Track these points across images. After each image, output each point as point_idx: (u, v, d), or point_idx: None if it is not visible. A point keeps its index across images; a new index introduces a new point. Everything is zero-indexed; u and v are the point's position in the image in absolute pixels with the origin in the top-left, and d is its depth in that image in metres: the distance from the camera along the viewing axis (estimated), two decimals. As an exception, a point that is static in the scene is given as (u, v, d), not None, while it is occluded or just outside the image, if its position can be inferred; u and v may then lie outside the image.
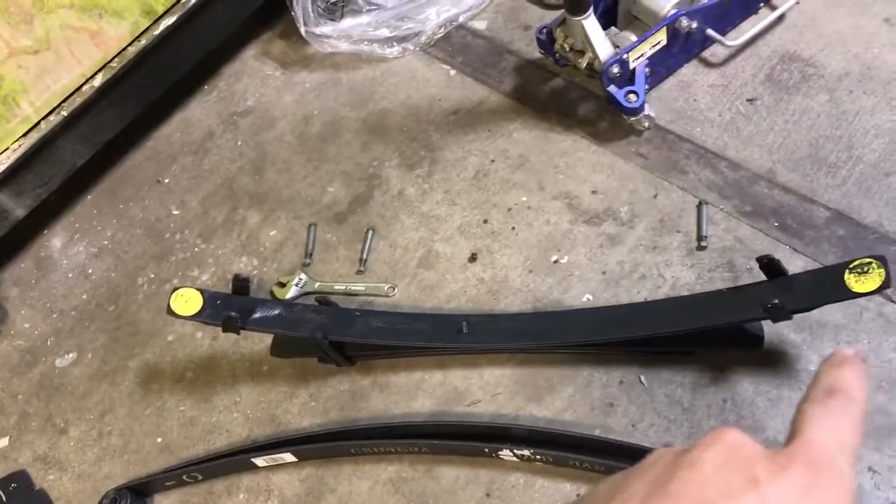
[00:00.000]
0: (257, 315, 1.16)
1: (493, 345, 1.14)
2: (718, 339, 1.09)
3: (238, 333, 1.16)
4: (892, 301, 1.08)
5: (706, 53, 1.41)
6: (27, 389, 1.39)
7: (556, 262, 1.25)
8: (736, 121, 1.32)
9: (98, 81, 1.44)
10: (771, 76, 1.35)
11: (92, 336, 1.42)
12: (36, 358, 1.43)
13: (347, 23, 1.60)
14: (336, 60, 1.66)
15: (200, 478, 1.20)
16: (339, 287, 1.32)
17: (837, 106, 1.29)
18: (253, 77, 1.72)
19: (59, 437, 1.32)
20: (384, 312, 1.22)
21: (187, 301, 1.15)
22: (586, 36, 1.27)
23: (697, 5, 1.32)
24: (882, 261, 0.89)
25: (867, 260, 0.90)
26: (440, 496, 1.09)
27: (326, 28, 1.59)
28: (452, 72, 1.57)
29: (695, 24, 1.30)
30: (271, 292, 1.35)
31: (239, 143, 1.61)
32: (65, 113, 1.41)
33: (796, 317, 0.98)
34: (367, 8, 1.59)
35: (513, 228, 1.31)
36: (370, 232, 1.37)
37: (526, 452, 1.05)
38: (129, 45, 1.47)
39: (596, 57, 1.28)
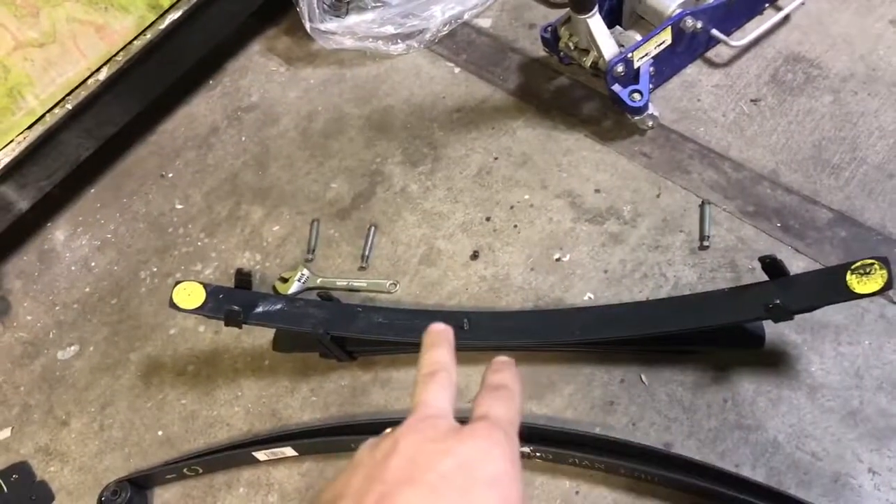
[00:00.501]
0: (259, 309, 1.16)
1: (495, 342, 1.14)
2: (720, 338, 1.09)
3: (240, 328, 1.16)
4: (894, 302, 1.08)
5: (711, 53, 1.41)
6: (29, 381, 1.39)
7: (558, 260, 1.26)
8: (740, 121, 1.32)
9: (103, 75, 1.44)
10: (775, 77, 1.35)
11: (94, 329, 1.42)
12: (38, 350, 1.43)
13: (352, 19, 1.60)
14: (340, 57, 1.67)
15: (201, 471, 1.20)
16: (341, 283, 1.33)
17: (842, 107, 1.29)
18: (257, 73, 1.73)
19: (60, 429, 1.32)
20: (386, 309, 1.23)
21: (190, 295, 1.15)
22: (591, 34, 1.27)
23: (702, 5, 1.32)
24: (884, 262, 0.89)
25: (869, 261, 0.90)
26: (440, 492, 1.09)
27: (331, 24, 1.59)
28: (457, 69, 1.57)
29: (700, 24, 1.30)
30: (273, 287, 1.35)
31: (243, 138, 1.62)
32: (69, 106, 1.42)
33: (798, 317, 0.98)
34: (373, 5, 1.60)
35: (515, 226, 1.31)
36: (372, 228, 1.37)
37: (526, 449, 1.05)
38: (135, 39, 1.47)
39: (600, 56, 1.28)
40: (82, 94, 1.43)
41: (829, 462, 0.99)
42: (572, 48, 1.34)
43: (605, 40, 1.27)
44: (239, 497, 1.17)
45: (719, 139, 1.31)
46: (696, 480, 0.96)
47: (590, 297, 1.20)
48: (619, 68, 1.27)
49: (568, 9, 1.28)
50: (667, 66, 1.36)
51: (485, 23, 1.62)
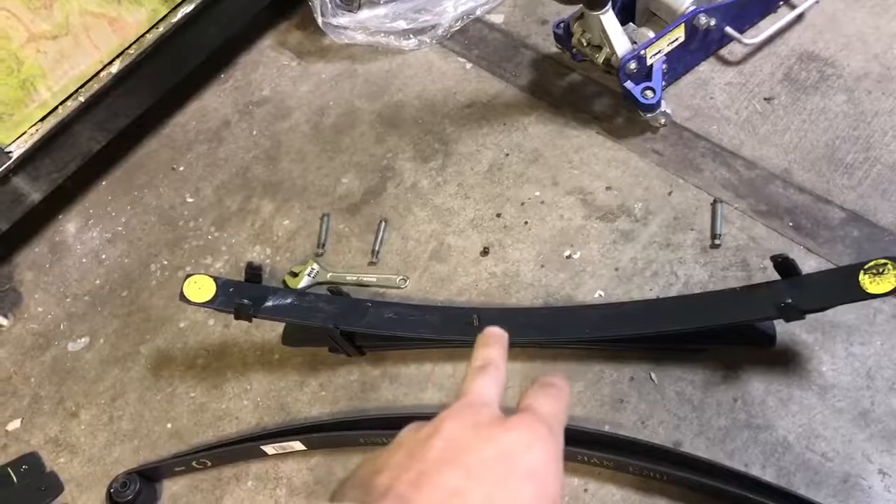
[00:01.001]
0: (269, 303, 1.16)
1: (504, 339, 1.14)
2: (730, 337, 1.08)
3: (250, 321, 1.16)
4: (907, 303, 1.07)
5: (724, 51, 1.41)
6: (40, 373, 1.40)
7: (568, 257, 1.25)
8: (752, 119, 1.31)
9: (115, 68, 1.45)
10: (789, 75, 1.35)
11: (104, 321, 1.43)
12: (49, 342, 1.44)
13: (364, 14, 1.60)
14: (352, 52, 1.67)
15: (209, 464, 1.20)
16: (351, 278, 1.33)
17: (856, 106, 1.28)
18: (269, 67, 1.73)
19: (70, 420, 1.33)
20: (395, 304, 1.23)
21: (200, 288, 1.16)
22: (604, 31, 1.26)
23: (716, 2, 1.31)
24: (898, 262, 0.89)
25: (882, 261, 0.89)
26: (448, 488, 1.09)
27: (343, 19, 1.59)
28: (468, 65, 1.57)
29: (713, 22, 1.30)
30: (283, 281, 1.35)
31: (254, 132, 1.62)
32: (82, 98, 1.42)
33: (809, 317, 0.97)
34: (385, 0, 1.59)
35: (526, 223, 1.31)
36: (383, 223, 1.37)
37: (534, 446, 1.05)
38: (147, 32, 1.47)
39: (613, 52, 1.28)
40: (95, 86, 1.43)
41: (839, 463, 0.98)
42: (585, 45, 1.34)
43: (618, 37, 1.27)
44: (247, 490, 1.18)
45: (732, 137, 1.30)
46: (705, 479, 0.96)
47: (600, 295, 1.20)
48: (632, 65, 1.26)
49: (581, 5, 1.27)
50: (680, 63, 1.36)
51: (497, 18, 1.62)
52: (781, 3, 1.41)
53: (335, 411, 1.21)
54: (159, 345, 1.37)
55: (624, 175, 1.31)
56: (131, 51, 1.46)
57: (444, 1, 1.59)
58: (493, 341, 0.58)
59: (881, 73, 1.30)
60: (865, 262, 0.90)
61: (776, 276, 1.00)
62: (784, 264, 0.97)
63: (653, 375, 1.11)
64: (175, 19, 1.48)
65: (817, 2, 1.38)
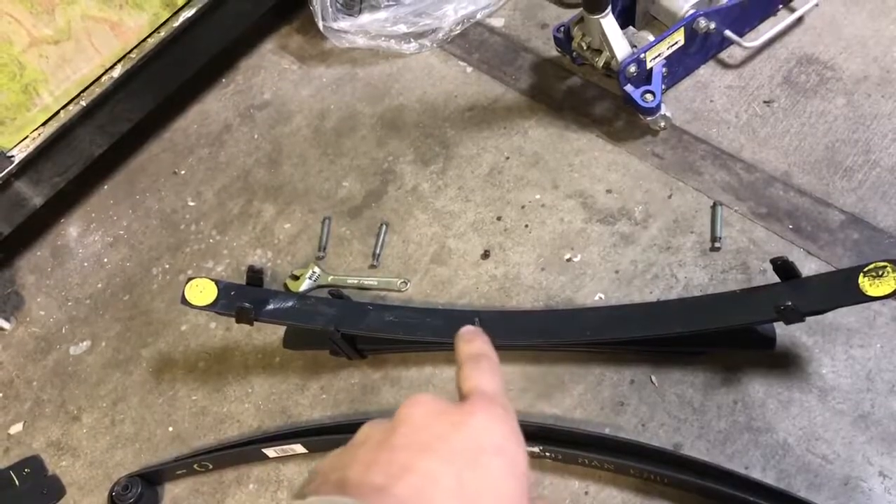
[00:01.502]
0: (271, 307, 1.16)
1: (505, 342, 1.14)
2: (730, 340, 1.09)
3: (251, 324, 1.16)
4: (907, 306, 1.08)
5: (724, 54, 1.41)
6: (41, 376, 1.40)
7: (568, 260, 1.26)
8: (752, 122, 1.32)
9: (117, 72, 1.45)
10: (788, 78, 1.35)
11: (106, 325, 1.43)
12: (50, 345, 1.44)
13: (365, 18, 1.60)
14: (353, 56, 1.67)
15: (211, 467, 1.21)
16: (351, 281, 1.33)
17: (855, 109, 1.28)
18: (270, 71, 1.73)
19: (72, 423, 1.33)
20: (396, 307, 1.23)
21: (202, 291, 1.16)
22: (604, 35, 1.27)
23: (716, 6, 1.32)
24: (897, 265, 0.89)
25: (882, 264, 0.89)
26: (449, 491, 1.09)
27: (344, 23, 1.60)
28: (469, 69, 1.57)
29: (713, 25, 1.30)
30: (285, 284, 1.36)
31: (255, 136, 1.62)
32: (84, 103, 1.42)
33: (809, 320, 0.97)
34: (385, 4, 1.60)
35: (526, 226, 1.31)
36: (384, 227, 1.38)
37: (535, 449, 1.05)
38: (149, 36, 1.48)
39: (613, 56, 1.28)
40: (96, 90, 1.44)
41: (839, 465, 0.99)
42: (585, 48, 1.34)
43: (618, 40, 1.27)
44: (248, 493, 1.18)
45: (732, 140, 1.31)
46: (706, 482, 0.96)
47: (600, 298, 1.20)
48: (632, 69, 1.27)
49: (581, 9, 1.28)
50: (679, 66, 1.36)
51: (497, 22, 1.62)
52: (781, 6, 1.42)
53: (336, 414, 1.21)
54: (161, 348, 1.37)
55: (624, 178, 1.32)
56: (133, 55, 1.47)
57: (445, 5, 1.59)
58: (472, 336, 0.58)
59: (880, 77, 1.30)
60: (865, 265, 0.90)
61: (776, 279, 1.00)
62: (784, 267, 0.97)
63: (653, 378, 1.11)
64: (176, 24, 1.49)
65: (817, 5, 1.38)
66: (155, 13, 1.46)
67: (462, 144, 1.45)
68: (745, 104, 1.34)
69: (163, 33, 1.48)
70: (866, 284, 0.90)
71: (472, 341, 0.57)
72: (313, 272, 1.35)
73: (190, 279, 1.17)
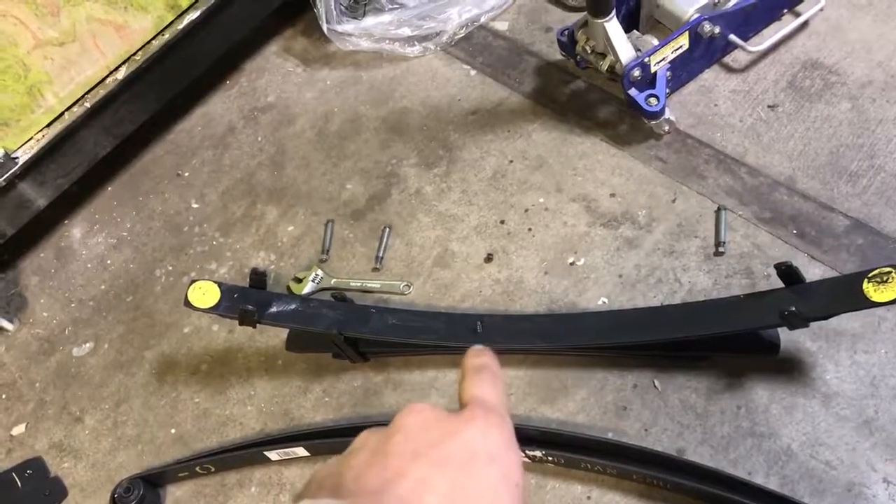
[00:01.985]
0: (274, 309, 1.16)
1: (508, 345, 1.14)
2: (734, 345, 1.08)
3: (254, 327, 1.16)
4: (911, 311, 1.07)
5: (728, 59, 1.41)
6: (44, 377, 1.40)
7: (572, 264, 1.25)
8: (756, 127, 1.32)
9: (122, 74, 1.46)
10: (793, 83, 1.35)
11: (109, 326, 1.43)
12: (54, 346, 1.44)
13: (369, 21, 1.60)
14: (357, 58, 1.67)
15: (213, 470, 1.20)
16: (354, 284, 1.33)
17: (860, 114, 1.28)
18: (274, 73, 1.73)
19: (74, 425, 1.33)
20: (399, 310, 1.23)
21: (205, 294, 1.16)
22: (608, 38, 1.26)
23: (720, 10, 1.32)
24: (902, 270, 0.88)
25: (887, 269, 0.89)
26: (451, 495, 1.09)
27: (348, 26, 1.60)
28: (473, 72, 1.57)
29: (717, 29, 1.30)
30: (288, 287, 1.36)
31: (259, 138, 1.62)
32: (88, 104, 1.43)
33: (813, 325, 0.97)
34: (390, 6, 1.60)
35: (529, 229, 1.31)
36: (387, 230, 1.38)
37: (538, 453, 1.05)
38: (153, 38, 1.48)
39: (617, 60, 1.28)
40: (101, 92, 1.44)
41: (843, 471, 0.98)
42: (589, 52, 1.34)
43: (622, 44, 1.27)
44: (251, 496, 1.18)
45: (736, 145, 1.31)
46: (709, 487, 0.96)
47: (604, 302, 1.20)
48: (636, 72, 1.26)
49: (585, 12, 1.28)
50: (684, 70, 1.36)
51: (501, 26, 1.62)
52: (785, 10, 1.42)
53: (339, 417, 1.21)
54: (164, 350, 1.37)
55: (628, 182, 1.32)
56: (137, 57, 1.47)
57: (449, 8, 1.59)
58: (479, 352, 0.59)
59: (885, 81, 1.30)
60: (869, 270, 0.90)
61: (780, 284, 1.00)
62: (788, 272, 0.97)
63: (656, 383, 1.11)
64: (181, 26, 1.49)
65: (822, 9, 1.38)
66: (159, 15, 1.47)
67: (465, 148, 1.45)
68: (749, 108, 1.34)
69: (167, 35, 1.49)
70: (871, 290, 0.89)
71: (478, 356, 0.58)
72: (316, 275, 1.35)
73: (193, 281, 1.17)
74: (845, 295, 0.92)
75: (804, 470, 0.99)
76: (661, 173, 1.31)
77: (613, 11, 1.24)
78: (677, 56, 1.31)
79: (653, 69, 1.29)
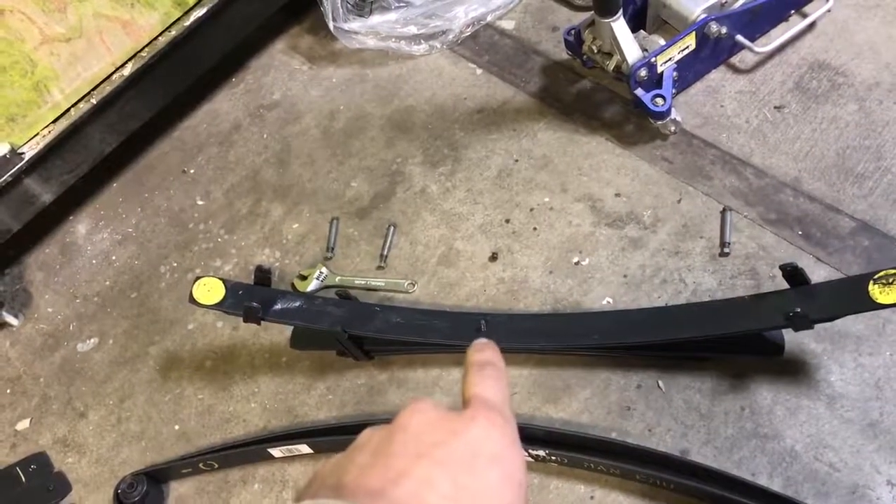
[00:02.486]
0: (278, 306, 1.16)
1: (512, 345, 1.14)
2: (738, 346, 1.08)
3: (259, 324, 1.17)
4: (917, 314, 1.07)
5: (734, 59, 1.41)
6: (49, 373, 1.41)
7: (577, 263, 1.25)
8: (763, 128, 1.31)
9: (128, 70, 1.46)
10: (799, 84, 1.34)
11: (113, 322, 1.44)
12: (58, 342, 1.44)
13: (376, 19, 1.60)
14: (363, 56, 1.67)
15: (216, 466, 1.21)
16: (359, 282, 1.33)
17: (867, 116, 1.28)
18: (280, 71, 1.73)
19: (78, 420, 1.34)
20: (403, 308, 1.23)
21: (209, 290, 1.16)
22: (615, 38, 1.26)
23: (727, 11, 1.31)
24: (908, 272, 0.88)
25: (892, 271, 0.89)
26: (454, 493, 1.09)
27: (355, 24, 1.60)
28: (479, 71, 1.57)
29: (724, 30, 1.29)
30: (292, 284, 1.36)
31: (265, 135, 1.62)
32: (94, 101, 1.43)
33: (818, 327, 0.97)
34: (396, 5, 1.60)
35: (534, 229, 1.31)
36: (392, 228, 1.38)
37: (541, 453, 1.05)
38: (160, 35, 1.48)
39: (624, 60, 1.28)
40: (107, 89, 1.44)
41: (847, 473, 0.98)
42: (595, 52, 1.34)
43: (629, 44, 1.27)
44: (254, 493, 1.18)
45: (742, 145, 1.30)
46: (712, 488, 0.95)
47: (608, 302, 1.20)
48: (643, 72, 1.26)
49: (592, 12, 1.28)
50: (690, 71, 1.36)
51: (508, 25, 1.62)
52: (793, 11, 1.41)
53: (342, 415, 1.21)
54: (168, 346, 1.37)
55: (633, 182, 1.31)
56: (144, 54, 1.47)
57: (455, 7, 1.59)
58: (482, 346, 0.58)
59: (893, 83, 1.30)
60: (875, 272, 0.90)
61: (785, 285, 0.99)
62: (793, 273, 0.97)
63: (660, 383, 1.10)
64: (187, 23, 1.49)
65: (829, 11, 1.37)
66: (166, 12, 1.47)
67: (471, 146, 1.45)
68: (755, 109, 1.34)
69: (174, 32, 1.49)
70: (876, 292, 0.89)
71: (482, 351, 0.58)
72: (321, 272, 1.35)
73: (198, 278, 1.17)
74: (850, 297, 0.92)
75: (808, 472, 0.99)
76: (666, 173, 1.31)
77: (620, 11, 1.24)
78: (684, 56, 1.30)
79: (659, 69, 1.28)
